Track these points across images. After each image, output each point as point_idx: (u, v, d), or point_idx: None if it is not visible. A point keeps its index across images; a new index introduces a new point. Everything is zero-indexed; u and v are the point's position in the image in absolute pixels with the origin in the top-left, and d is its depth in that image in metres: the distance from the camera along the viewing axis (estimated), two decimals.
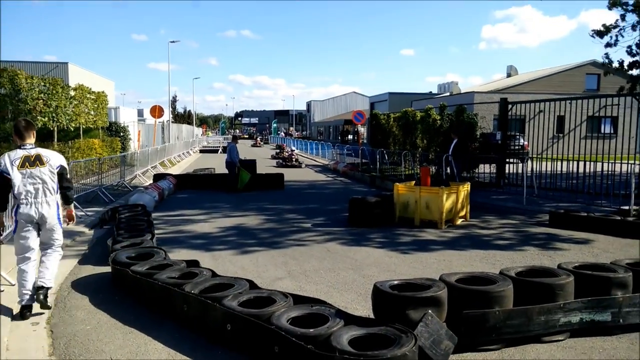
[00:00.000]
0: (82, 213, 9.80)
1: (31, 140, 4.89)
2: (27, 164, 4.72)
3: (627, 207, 9.66)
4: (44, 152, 4.90)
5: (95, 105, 19.29)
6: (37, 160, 4.77)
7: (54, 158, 4.91)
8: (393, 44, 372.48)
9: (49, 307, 4.76)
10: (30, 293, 4.72)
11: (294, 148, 30.92)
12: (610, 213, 9.57)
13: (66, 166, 5.04)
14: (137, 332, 4.42)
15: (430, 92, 51.22)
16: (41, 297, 4.63)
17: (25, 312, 4.70)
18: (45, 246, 4.95)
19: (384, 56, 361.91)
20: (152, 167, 19.48)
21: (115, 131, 23.55)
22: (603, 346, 4.07)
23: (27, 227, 4.75)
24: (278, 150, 34.57)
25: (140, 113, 40.05)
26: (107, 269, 6.10)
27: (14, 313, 4.71)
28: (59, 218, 4.93)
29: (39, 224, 4.82)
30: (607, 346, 4.07)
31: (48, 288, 4.78)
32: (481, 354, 3.91)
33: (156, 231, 7.84)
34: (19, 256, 4.80)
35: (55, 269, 5.00)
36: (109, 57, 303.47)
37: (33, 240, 4.80)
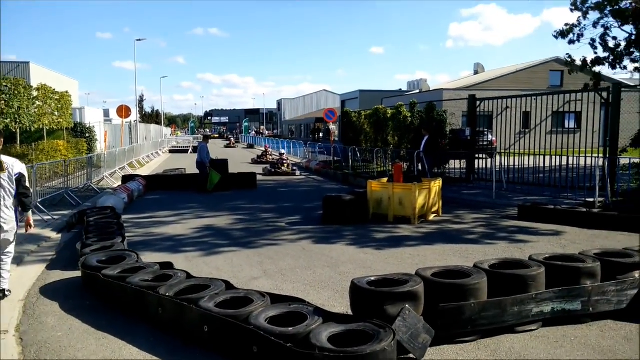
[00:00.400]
0: (49, 217, 9.50)
1: None
2: None
3: (592, 199, 9.98)
4: (6, 160, 5.12)
5: (59, 106, 18.75)
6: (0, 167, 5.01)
7: (15, 166, 5.16)
8: (363, 42, 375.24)
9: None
10: (5, 277, 5.18)
11: (283, 150, 24.53)
12: (576, 205, 9.87)
13: (25, 174, 5.28)
14: (110, 337, 4.31)
15: (400, 89, 51.76)
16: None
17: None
18: (1, 249, 5.16)
19: (354, 54, 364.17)
20: (120, 169, 19.05)
21: (81, 132, 22.94)
22: (574, 334, 4.19)
23: None
24: (260, 154, 29.18)
25: (106, 113, 39.09)
26: (77, 273, 5.93)
27: None
28: (16, 221, 5.23)
29: None
30: (578, 334, 4.20)
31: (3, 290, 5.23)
32: (458, 346, 3.97)
33: (127, 234, 7.68)
34: None
35: (6, 271, 5.29)
36: (72, 56, 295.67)
37: None
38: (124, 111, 23.09)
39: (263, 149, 30.41)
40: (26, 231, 5.57)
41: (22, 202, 5.21)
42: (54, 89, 18.52)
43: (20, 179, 5.15)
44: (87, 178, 14.43)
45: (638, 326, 4.25)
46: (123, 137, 25.40)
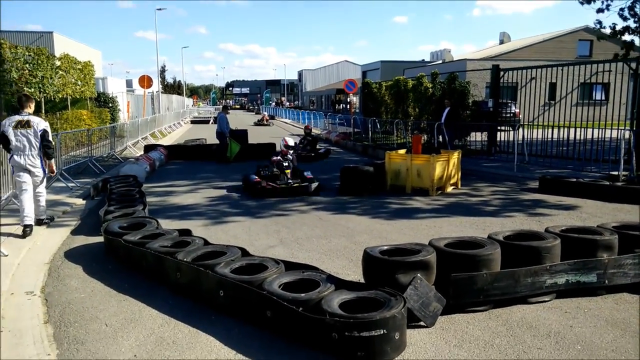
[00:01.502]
0: (73, 184, 9.75)
1: (28, 109, 6.58)
2: (19, 126, 6.39)
3: (616, 173, 9.76)
4: (33, 119, 6.52)
5: (82, 76, 18.93)
6: (27, 124, 6.42)
7: (40, 124, 6.53)
8: (386, 11, 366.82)
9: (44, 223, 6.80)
10: (29, 216, 6.33)
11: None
12: (599, 178, 9.67)
13: (49, 130, 6.64)
14: (131, 299, 4.47)
15: (423, 60, 50.73)
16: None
17: (26, 230, 6.26)
18: (34, 186, 6.58)
19: (377, 24, 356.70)
20: (142, 139, 19.31)
21: (104, 102, 23.21)
22: (588, 306, 4.18)
23: (19, 171, 6.44)
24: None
25: (129, 83, 39.44)
26: (100, 239, 6.12)
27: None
28: (42, 167, 6.61)
29: (29, 170, 6.47)
30: (592, 306, 4.18)
31: (41, 218, 6.80)
32: (469, 315, 4.00)
33: (148, 201, 7.84)
34: (18, 191, 6.51)
35: (43, 203, 6.84)
36: (95, 26, 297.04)
37: (25, 179, 6.45)
38: (145, 81, 23.27)
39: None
40: (50, 174, 6.98)
41: (45, 152, 6.57)
42: (77, 59, 18.68)
43: (44, 134, 6.47)
44: (111, 147, 14.70)
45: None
46: (145, 108, 25.66)
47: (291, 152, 10.40)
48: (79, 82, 18.64)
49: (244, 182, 10.14)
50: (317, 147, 16.37)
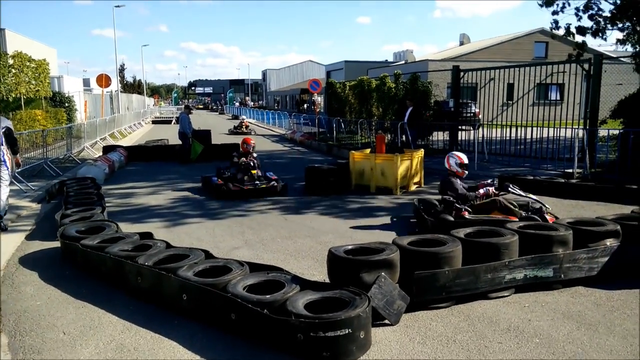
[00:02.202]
0: (27, 187, 9.37)
1: None
2: None
3: (570, 170, 10.14)
4: None
5: (37, 74, 18.25)
6: None
7: (2, 121, 6.72)
8: (349, 12, 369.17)
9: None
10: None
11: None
12: (555, 176, 10.02)
13: (12, 127, 6.97)
14: (90, 306, 4.33)
15: (386, 60, 51.32)
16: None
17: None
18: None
19: (340, 24, 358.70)
20: (101, 139, 18.77)
21: (60, 102, 22.42)
22: (545, 300, 4.32)
23: None
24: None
25: (86, 82, 38.21)
26: (57, 244, 5.90)
27: None
28: (5, 163, 6.69)
29: None
30: (549, 300, 4.33)
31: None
32: (432, 312, 4.07)
33: (107, 204, 7.63)
34: None
35: (4, 197, 6.76)
36: (50, 23, 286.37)
37: None
38: (103, 80, 22.59)
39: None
40: (18, 167, 7.53)
41: (13, 150, 6.86)
42: (31, 57, 17.99)
43: (7, 132, 6.72)
44: (67, 149, 14.22)
45: None
46: (104, 107, 24.94)
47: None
48: (33, 81, 17.95)
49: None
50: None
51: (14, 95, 16.31)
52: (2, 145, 6.64)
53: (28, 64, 17.53)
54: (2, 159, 6.65)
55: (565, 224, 4.97)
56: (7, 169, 6.77)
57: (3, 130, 6.63)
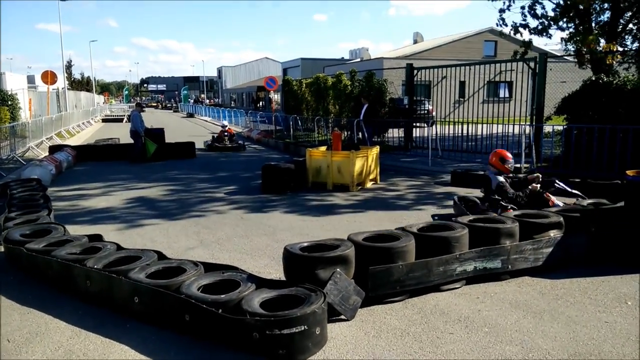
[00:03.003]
0: None
1: None
2: None
3: (518, 165, 10.53)
4: None
5: None
6: None
7: None
8: (306, 9, 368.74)
9: None
10: None
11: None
12: None
13: None
14: (36, 311, 4.16)
15: (342, 58, 51.70)
16: None
17: None
18: None
19: (297, 21, 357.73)
20: (47, 139, 17.99)
21: (2, 99, 21.27)
22: (494, 290, 4.48)
23: None
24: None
25: (30, 80, 36.43)
26: (0, 248, 5.63)
27: None
28: None
29: None
30: (497, 290, 4.49)
31: None
32: (387, 306, 4.14)
33: (54, 206, 7.33)
34: None
35: None
36: None
37: None
38: (49, 77, 21.70)
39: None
40: None
41: None
42: None
43: None
44: (11, 149, 13.56)
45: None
46: (50, 105, 23.90)
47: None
48: None
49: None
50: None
51: None
52: None
53: None
54: None
55: (512, 216, 5.16)
56: None
57: None
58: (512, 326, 3.79)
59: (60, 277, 4.56)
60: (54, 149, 14.04)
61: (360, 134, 14.31)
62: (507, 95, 23.29)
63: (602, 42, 12.12)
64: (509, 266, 4.66)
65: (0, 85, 23.66)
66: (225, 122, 20.77)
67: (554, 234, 4.98)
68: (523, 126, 10.76)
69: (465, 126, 12.70)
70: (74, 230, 6.29)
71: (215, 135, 18.66)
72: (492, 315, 3.98)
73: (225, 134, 17.90)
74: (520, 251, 4.70)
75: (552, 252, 4.86)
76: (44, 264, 4.73)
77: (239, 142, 17.92)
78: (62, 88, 31.96)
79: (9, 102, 21.37)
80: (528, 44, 12.96)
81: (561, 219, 5.09)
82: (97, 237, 5.39)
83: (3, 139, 14.40)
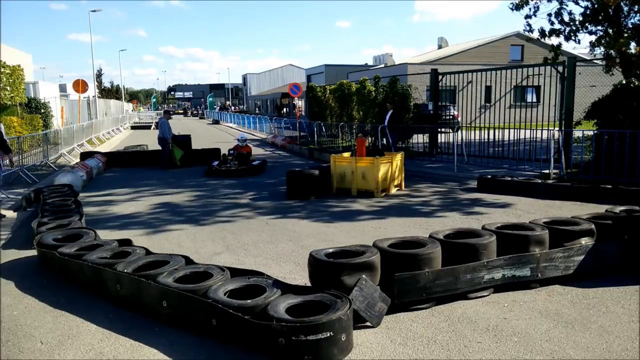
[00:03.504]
0: (3, 195, 9.18)
1: None
2: None
3: (547, 171, 10.34)
4: None
5: (11, 80, 17.89)
6: None
7: None
8: (328, 16, 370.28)
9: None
10: None
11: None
12: (532, 177, 10.21)
13: (2, 131, 8.10)
14: (68, 314, 4.26)
15: (366, 63, 51.66)
16: None
17: None
18: None
19: (320, 28, 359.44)
20: (78, 146, 18.48)
21: (35, 108, 22.00)
22: (523, 299, 4.40)
23: None
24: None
25: (62, 88, 37.53)
26: (33, 252, 5.81)
27: None
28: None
29: None
30: (526, 299, 4.40)
31: None
32: (413, 313, 4.11)
33: (85, 211, 7.51)
34: None
35: None
36: (24, 28, 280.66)
37: None
38: (80, 86, 22.31)
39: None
40: (11, 166, 9.02)
41: (2, 148, 7.99)
42: (5, 63, 17.63)
43: None
44: (44, 155, 13.97)
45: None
46: (81, 113, 24.56)
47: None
48: (8, 87, 17.59)
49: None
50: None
51: None
52: None
53: (2, 69, 17.18)
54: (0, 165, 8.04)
55: (541, 223, 5.06)
56: (1, 167, 8.23)
57: None
58: (542, 336, 3.71)
59: (92, 281, 4.67)
60: (85, 156, 14.42)
61: (384, 139, 14.26)
62: (534, 99, 22.92)
63: (633, 45, 11.83)
64: (539, 274, 4.57)
65: (34, 93, 24.41)
66: (245, 135, 14.53)
67: (586, 241, 4.87)
68: (552, 131, 10.56)
69: (491, 131, 12.52)
70: (104, 234, 6.45)
71: (228, 151, 13.79)
72: (522, 324, 3.91)
73: (233, 152, 13.26)
74: (550, 259, 4.60)
75: (583, 260, 4.75)
76: (75, 268, 4.86)
77: (256, 162, 13.41)
78: (93, 96, 32.82)
79: (42, 110, 22.09)
80: (557, 49, 12.74)
81: (592, 226, 4.97)
82: (127, 242, 5.51)
83: (36, 146, 14.85)
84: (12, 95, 18.00)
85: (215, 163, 13.21)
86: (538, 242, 4.65)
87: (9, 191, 9.60)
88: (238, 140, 14.00)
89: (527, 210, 7.94)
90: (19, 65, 19.28)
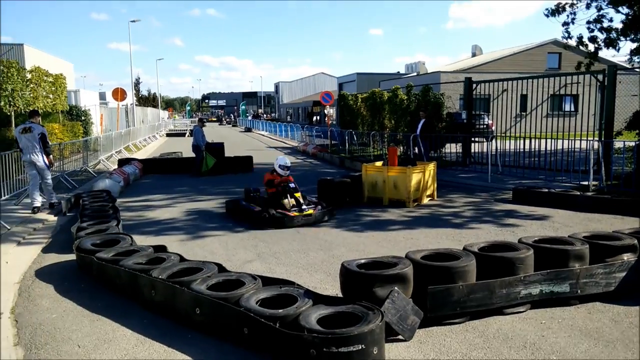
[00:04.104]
0: (45, 200, 9.50)
1: (33, 120, 8.88)
2: (23, 131, 8.61)
3: (586, 183, 10.02)
4: (34, 126, 8.71)
5: (54, 89, 18.60)
6: (29, 130, 8.62)
7: (37, 129, 8.69)
8: (361, 24, 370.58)
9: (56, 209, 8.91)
10: (37, 199, 8.72)
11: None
12: (570, 189, 9.91)
13: (46, 134, 8.90)
14: (104, 319, 4.37)
15: (398, 72, 51.43)
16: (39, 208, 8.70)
17: (34, 210, 8.67)
18: (40, 178, 8.85)
19: (353, 36, 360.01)
20: (116, 152, 19.02)
21: (76, 115, 22.81)
22: (562, 316, 4.25)
23: (29, 166, 8.74)
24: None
25: (102, 96, 38.85)
26: (72, 256, 5.98)
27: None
28: (45, 163, 8.81)
29: (34, 164, 8.69)
30: (565, 316, 4.26)
31: (53, 203, 9.06)
32: (447, 327, 4.03)
33: (122, 217, 7.71)
34: (30, 181, 8.89)
35: (51, 191, 9.07)
36: (67, 38, 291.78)
37: (33, 172, 8.75)
38: (119, 94, 22.97)
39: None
40: (50, 166, 9.03)
41: (45, 150, 8.74)
42: (48, 72, 18.36)
43: (42, 137, 8.67)
44: (83, 162, 14.43)
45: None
46: (119, 120, 25.29)
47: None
48: (51, 95, 18.29)
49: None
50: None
51: (31, 109, 16.64)
52: (40, 148, 8.62)
53: (45, 78, 17.87)
54: (42, 160, 8.70)
55: (581, 238, 4.90)
56: (47, 166, 8.86)
57: (39, 136, 8.57)
58: (582, 355, 3.58)
59: (128, 286, 4.78)
60: (122, 162, 14.83)
61: (416, 148, 14.13)
62: (572, 109, 22.31)
63: None
64: (578, 291, 4.42)
65: (75, 101, 25.31)
66: (287, 161, 9.06)
67: (628, 257, 4.68)
68: (591, 142, 10.24)
69: (527, 141, 12.24)
70: (139, 240, 6.59)
71: (263, 191, 8.90)
72: (560, 342, 3.78)
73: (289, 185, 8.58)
74: (590, 275, 4.44)
75: (625, 276, 4.57)
76: (112, 273, 4.98)
77: (315, 205, 8.45)
78: (131, 104, 33.78)
79: (83, 118, 22.86)
80: (594, 56, 12.39)
81: (635, 241, 4.78)
82: (162, 248, 5.62)
83: (76, 152, 15.36)
84: (54, 102, 18.69)
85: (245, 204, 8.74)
86: (578, 257, 4.50)
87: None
88: (280, 166, 8.68)
89: (565, 223, 7.71)
90: (61, 74, 20.03)
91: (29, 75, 16.36)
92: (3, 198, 8.61)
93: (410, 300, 3.95)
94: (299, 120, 62.42)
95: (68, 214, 8.93)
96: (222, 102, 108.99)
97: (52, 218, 8.64)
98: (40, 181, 8.86)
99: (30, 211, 8.67)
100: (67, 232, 7.36)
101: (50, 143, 9.17)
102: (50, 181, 9.01)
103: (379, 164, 10.52)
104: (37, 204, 8.67)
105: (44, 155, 8.73)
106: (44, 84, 17.66)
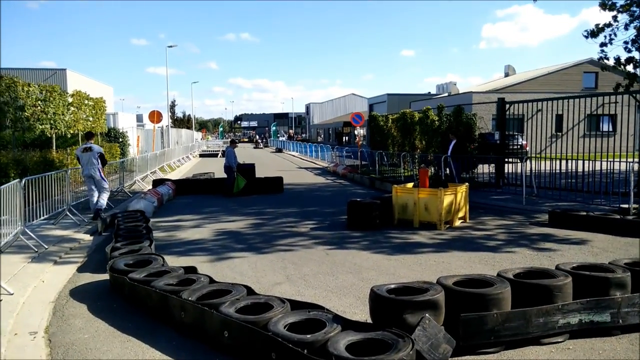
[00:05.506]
0: (81, 220, 9.78)
1: (90, 140, 10.36)
2: (84, 150, 10.11)
3: (626, 206, 9.64)
4: (93, 146, 10.19)
5: (94, 112, 19.29)
6: (89, 149, 10.09)
7: (96, 149, 10.18)
8: (393, 45, 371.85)
9: (98, 218, 9.72)
10: (94, 208, 10.05)
11: None
12: (609, 212, 9.55)
13: (103, 152, 10.39)
14: (135, 340, 4.41)
15: (429, 92, 51.25)
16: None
17: (99, 213, 9.92)
18: (98, 189, 10.21)
19: (384, 57, 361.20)
20: (151, 173, 19.48)
21: (114, 137, 23.55)
22: (602, 347, 4.06)
23: (88, 180, 10.16)
24: None
25: (139, 118, 40.08)
26: (106, 276, 6.10)
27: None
28: (101, 176, 10.22)
29: (93, 179, 10.10)
30: (606, 347, 4.06)
31: (100, 209, 10.10)
32: (480, 357, 3.89)
33: (155, 237, 7.83)
34: (89, 193, 10.28)
35: (103, 200, 10.34)
36: (107, 62, 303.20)
37: (92, 185, 10.16)
38: (155, 116, 23.64)
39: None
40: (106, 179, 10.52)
41: (103, 166, 10.24)
42: (89, 95, 19.08)
43: (101, 155, 10.19)
44: (119, 182, 14.81)
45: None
46: (155, 142, 25.96)
47: None
48: (91, 118, 18.96)
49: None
50: None
51: (72, 132, 17.26)
52: (98, 164, 10.07)
53: (86, 102, 18.57)
54: (103, 177, 10.22)
55: (622, 265, 4.69)
56: (104, 180, 10.25)
57: (98, 154, 10.08)
58: None
59: (158, 307, 4.82)
60: (156, 183, 15.16)
61: (447, 170, 13.95)
62: (610, 129, 21.67)
63: None
64: (620, 320, 4.21)
65: (113, 123, 26.18)
66: None
67: None
68: (631, 163, 9.88)
69: (563, 162, 11.91)
70: (170, 260, 6.68)
71: None
72: None
73: None
74: (632, 304, 4.23)
75: None
76: (143, 293, 5.04)
77: None
78: (166, 126, 34.71)
79: (120, 139, 23.57)
80: (634, 77, 12.04)
81: None
82: (192, 269, 5.67)
83: (113, 173, 15.79)
84: (93, 125, 19.37)
85: None
86: (619, 285, 4.30)
87: (86, 216, 10.21)
88: None
89: (605, 249, 7.41)
90: (101, 98, 20.80)
91: (70, 99, 17.02)
92: (42, 218, 8.86)
93: (442, 328, 3.84)
94: (329, 140, 62.71)
95: (103, 234, 9.14)
96: (254, 123, 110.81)
97: (88, 237, 8.86)
98: (96, 196, 10.15)
99: (69, 230, 8.92)
100: (102, 251, 7.53)
101: (107, 160, 10.89)
102: (107, 186, 10.42)
103: (409, 185, 10.41)
104: (103, 205, 10.26)
105: (101, 171, 10.14)
106: (85, 107, 18.33)
